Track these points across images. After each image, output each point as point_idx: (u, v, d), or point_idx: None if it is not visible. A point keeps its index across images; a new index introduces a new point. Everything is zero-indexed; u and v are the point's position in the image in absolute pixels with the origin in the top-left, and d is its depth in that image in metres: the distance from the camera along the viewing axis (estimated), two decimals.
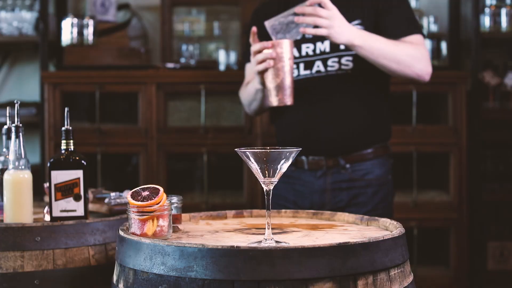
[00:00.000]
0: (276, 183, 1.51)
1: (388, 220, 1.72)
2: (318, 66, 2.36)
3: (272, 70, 2.22)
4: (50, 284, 1.79)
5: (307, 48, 2.38)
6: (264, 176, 1.49)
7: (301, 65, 2.39)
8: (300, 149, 1.52)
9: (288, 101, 2.23)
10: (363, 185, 2.39)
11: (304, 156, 2.40)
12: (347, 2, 2.35)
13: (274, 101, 2.24)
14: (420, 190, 3.71)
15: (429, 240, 3.84)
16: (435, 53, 3.87)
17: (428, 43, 3.86)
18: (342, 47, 2.33)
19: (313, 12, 2.16)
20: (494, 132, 3.95)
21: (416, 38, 2.34)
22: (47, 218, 1.95)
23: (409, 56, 2.28)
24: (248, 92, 2.49)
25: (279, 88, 2.22)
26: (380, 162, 2.44)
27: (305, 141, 2.35)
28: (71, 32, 3.72)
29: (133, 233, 1.55)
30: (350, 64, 2.34)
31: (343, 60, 2.35)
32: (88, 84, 3.63)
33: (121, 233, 1.56)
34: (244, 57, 2.59)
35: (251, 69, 2.44)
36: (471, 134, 3.72)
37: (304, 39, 2.38)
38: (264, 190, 1.52)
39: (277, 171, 1.48)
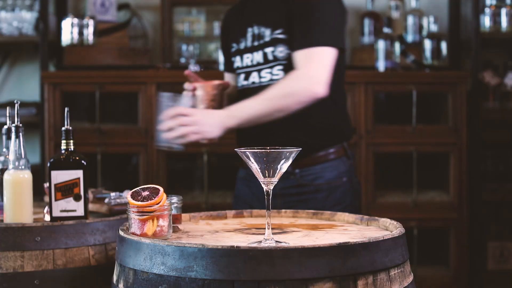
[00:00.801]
0: (276, 182, 1.51)
1: (388, 220, 1.72)
2: (254, 77, 2.39)
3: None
4: (50, 284, 1.79)
5: (247, 59, 2.42)
6: (264, 176, 1.49)
7: (242, 76, 2.43)
8: (300, 149, 1.52)
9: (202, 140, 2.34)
10: (312, 190, 2.36)
11: None
12: (265, 11, 2.36)
13: None
14: (420, 190, 3.71)
15: (429, 240, 3.84)
16: (435, 53, 3.87)
17: (427, 43, 3.86)
18: (270, 57, 2.34)
19: (179, 123, 2.21)
20: (494, 132, 3.95)
21: (306, 53, 2.24)
22: (47, 218, 1.95)
23: (287, 96, 2.22)
24: None
25: None
26: (333, 165, 2.39)
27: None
28: (71, 32, 3.72)
29: (133, 233, 1.55)
30: (281, 73, 2.34)
31: (274, 70, 2.35)
32: (88, 84, 3.63)
33: (121, 233, 1.56)
34: (224, 66, 2.64)
35: (228, 78, 2.58)
36: (471, 134, 3.72)
37: (246, 49, 2.42)
38: (264, 190, 1.52)
39: (277, 171, 1.49)
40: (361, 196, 2.52)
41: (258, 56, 2.38)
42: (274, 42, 2.34)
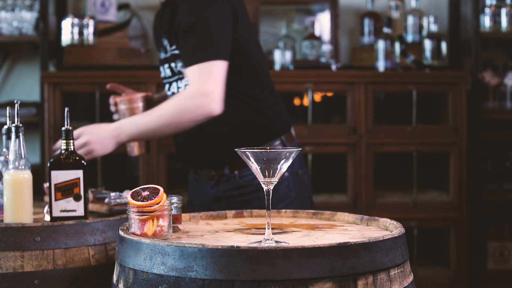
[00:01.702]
0: (276, 182, 1.51)
1: (388, 220, 1.72)
2: (174, 87, 2.40)
3: None
4: (50, 284, 1.79)
5: (164, 70, 2.42)
6: (264, 176, 1.49)
7: (166, 86, 2.44)
8: (301, 149, 1.52)
9: (132, 153, 2.43)
10: (254, 190, 2.34)
11: (198, 168, 2.45)
12: (165, 25, 2.35)
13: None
14: (420, 190, 3.71)
15: (429, 240, 3.84)
16: (435, 53, 3.87)
17: (427, 43, 3.86)
18: (176, 70, 2.35)
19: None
20: (494, 132, 3.95)
21: (197, 68, 2.22)
22: (47, 218, 1.95)
23: (180, 114, 2.22)
24: None
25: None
26: None
27: (189, 157, 2.44)
28: (71, 32, 3.72)
29: (133, 233, 1.55)
30: None
31: (184, 82, 2.35)
32: (88, 84, 3.63)
33: (121, 233, 1.57)
34: None
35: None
36: (471, 134, 3.72)
37: (161, 60, 2.42)
38: (264, 190, 1.52)
39: (277, 171, 1.49)
40: (310, 187, 2.49)
41: (168, 70, 2.40)
42: (172, 58, 2.35)
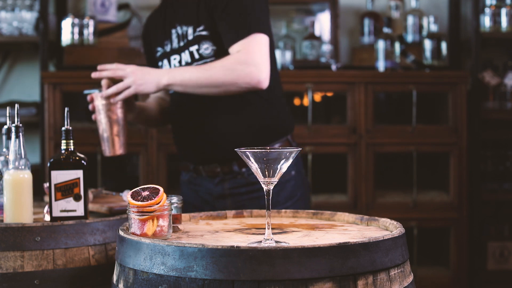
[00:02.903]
0: (276, 183, 1.51)
1: (388, 220, 1.72)
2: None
3: (96, 122, 2.30)
4: (50, 284, 1.79)
5: (174, 60, 2.38)
6: (264, 176, 1.49)
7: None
8: (301, 149, 1.52)
9: (109, 152, 2.27)
10: (262, 187, 2.33)
11: (200, 165, 2.39)
12: (185, 10, 2.33)
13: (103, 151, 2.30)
14: (420, 190, 3.71)
15: (429, 240, 3.84)
16: (435, 53, 3.87)
17: (427, 43, 3.86)
18: (197, 56, 2.30)
19: (112, 75, 2.25)
20: (494, 132, 3.95)
21: (243, 43, 2.19)
22: (47, 218, 1.95)
23: (227, 75, 2.16)
24: None
25: (101, 139, 2.29)
26: None
27: (196, 152, 2.38)
28: (71, 32, 3.72)
29: (133, 233, 1.55)
30: None
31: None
32: (88, 84, 3.60)
33: (121, 233, 1.57)
34: None
35: None
36: (471, 134, 3.72)
37: (173, 50, 2.38)
38: (264, 190, 1.52)
39: (277, 171, 1.49)
40: (310, 187, 2.49)
41: (185, 56, 2.34)
42: (198, 40, 2.29)
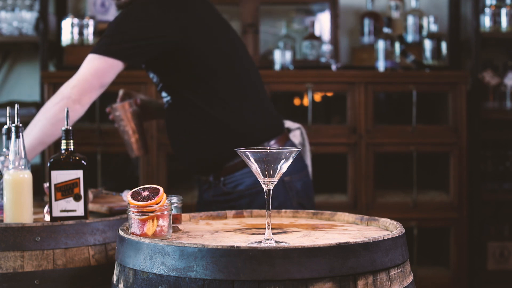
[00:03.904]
0: (276, 182, 1.51)
1: (388, 220, 1.72)
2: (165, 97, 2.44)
3: (119, 130, 2.57)
4: (50, 284, 1.79)
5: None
6: (264, 176, 1.49)
7: (163, 93, 2.45)
8: (301, 149, 1.52)
9: (131, 154, 2.56)
10: (236, 197, 2.35)
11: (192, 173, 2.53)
12: None
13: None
14: (420, 190, 3.71)
15: (429, 240, 3.84)
16: (435, 53, 3.87)
17: (427, 43, 3.87)
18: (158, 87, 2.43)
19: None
20: (494, 132, 3.95)
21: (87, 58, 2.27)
22: (47, 218, 1.95)
23: (54, 123, 2.20)
24: None
25: (125, 144, 2.57)
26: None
27: (182, 163, 2.49)
28: (71, 32, 3.72)
29: (133, 233, 1.55)
30: (168, 97, 2.41)
31: (164, 94, 2.42)
32: None
33: (121, 233, 1.57)
34: None
35: None
36: (471, 134, 3.72)
37: None
38: (264, 190, 1.52)
39: (277, 171, 1.49)
40: (304, 193, 2.45)
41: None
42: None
